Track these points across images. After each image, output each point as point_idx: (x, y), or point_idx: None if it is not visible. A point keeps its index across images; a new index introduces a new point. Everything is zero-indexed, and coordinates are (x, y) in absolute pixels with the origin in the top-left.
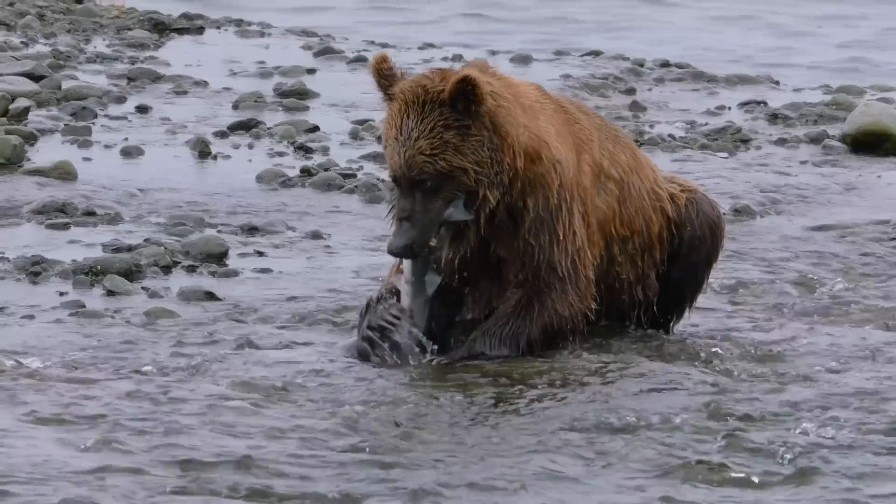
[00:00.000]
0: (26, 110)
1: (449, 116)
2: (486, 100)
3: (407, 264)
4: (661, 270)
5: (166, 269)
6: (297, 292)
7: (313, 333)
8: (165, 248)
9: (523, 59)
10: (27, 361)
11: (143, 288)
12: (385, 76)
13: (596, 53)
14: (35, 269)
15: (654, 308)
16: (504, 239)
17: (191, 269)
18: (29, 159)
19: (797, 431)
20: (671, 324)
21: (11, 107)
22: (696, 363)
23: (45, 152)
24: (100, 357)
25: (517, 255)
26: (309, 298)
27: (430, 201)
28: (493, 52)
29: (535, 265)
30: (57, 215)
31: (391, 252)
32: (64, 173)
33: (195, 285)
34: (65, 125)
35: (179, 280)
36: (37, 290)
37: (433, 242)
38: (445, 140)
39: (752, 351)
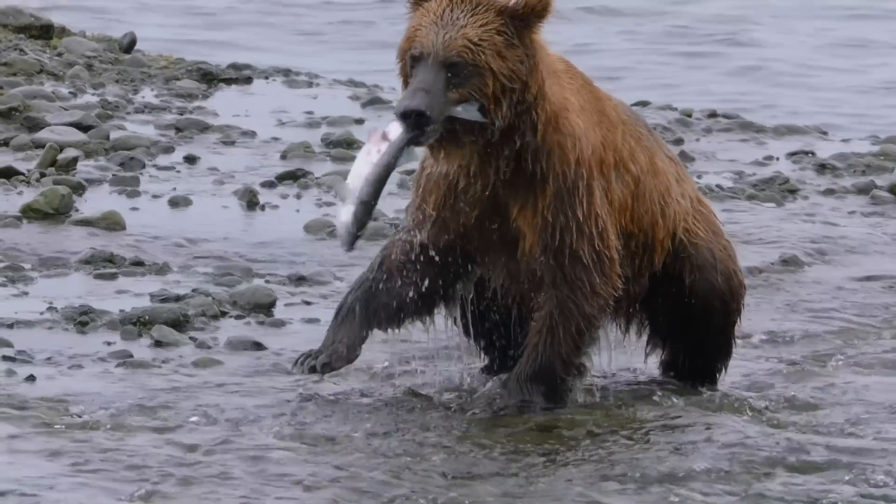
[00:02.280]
0: (74, 160)
1: (501, 24)
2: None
3: (397, 128)
4: (655, 272)
5: (214, 319)
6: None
7: (360, 384)
8: (213, 298)
9: None
10: (74, 411)
11: (190, 338)
12: None
13: (643, 104)
14: (83, 319)
15: (637, 307)
16: (524, 208)
17: (238, 319)
18: (77, 209)
19: (844, 483)
20: (705, 383)
21: (60, 157)
22: (743, 415)
23: (93, 202)
24: (147, 407)
25: (537, 232)
26: None
27: (450, 89)
28: None
29: (557, 248)
30: (105, 265)
31: (403, 112)
32: (112, 223)
33: (243, 335)
34: (113, 175)
35: (227, 330)
36: (84, 339)
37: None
38: (493, 40)
39: (798, 401)
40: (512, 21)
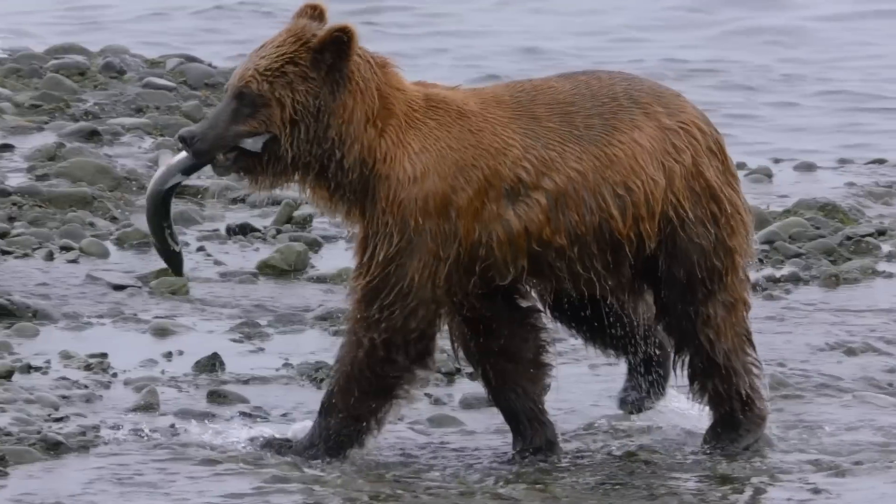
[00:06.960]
0: (311, 217)
1: (300, 56)
2: (352, 61)
3: (181, 155)
4: (632, 262)
5: (449, 376)
6: (577, 403)
7: (594, 442)
8: (448, 355)
9: (807, 167)
10: (309, 467)
11: (426, 395)
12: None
13: (880, 161)
14: (319, 375)
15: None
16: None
17: (473, 377)
18: (313, 266)
19: None
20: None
21: (296, 214)
22: None
23: (329, 259)
24: (383, 464)
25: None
26: (593, 405)
27: (240, 121)
28: (777, 161)
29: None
30: (341, 322)
31: (179, 135)
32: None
33: (478, 392)
34: (348, 232)
35: (462, 387)
36: (320, 395)
37: (220, 157)
38: (284, 70)
39: None
40: (314, 53)
